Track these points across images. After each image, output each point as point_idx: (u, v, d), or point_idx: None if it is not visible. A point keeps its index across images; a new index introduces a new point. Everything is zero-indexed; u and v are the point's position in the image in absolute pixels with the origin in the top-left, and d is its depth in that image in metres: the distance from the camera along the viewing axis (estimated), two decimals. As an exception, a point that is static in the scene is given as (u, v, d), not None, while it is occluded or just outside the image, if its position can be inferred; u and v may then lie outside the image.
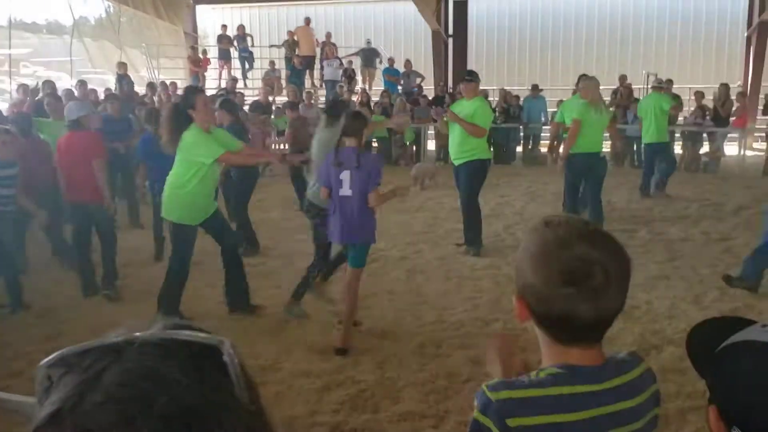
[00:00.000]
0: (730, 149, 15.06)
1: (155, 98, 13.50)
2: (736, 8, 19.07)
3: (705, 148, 14.31)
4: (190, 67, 18.29)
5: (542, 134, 16.41)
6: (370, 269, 6.81)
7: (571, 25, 20.74)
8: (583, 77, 8.59)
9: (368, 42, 19.10)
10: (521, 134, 16.16)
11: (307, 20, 18.81)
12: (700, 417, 3.75)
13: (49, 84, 10.18)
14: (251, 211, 8.15)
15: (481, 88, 17.23)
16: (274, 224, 9.25)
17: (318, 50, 18.99)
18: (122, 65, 14.96)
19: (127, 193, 9.29)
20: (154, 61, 19.29)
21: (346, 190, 4.62)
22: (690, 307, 5.49)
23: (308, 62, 18.72)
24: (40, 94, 10.11)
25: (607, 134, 8.66)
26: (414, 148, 15.88)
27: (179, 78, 19.08)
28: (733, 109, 14.03)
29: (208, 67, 19.26)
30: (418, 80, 18.15)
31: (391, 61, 18.53)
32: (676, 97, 12.88)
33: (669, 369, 4.27)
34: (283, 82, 18.32)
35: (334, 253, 5.58)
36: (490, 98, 17.35)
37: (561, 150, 8.23)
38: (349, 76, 18.35)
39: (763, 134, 16.18)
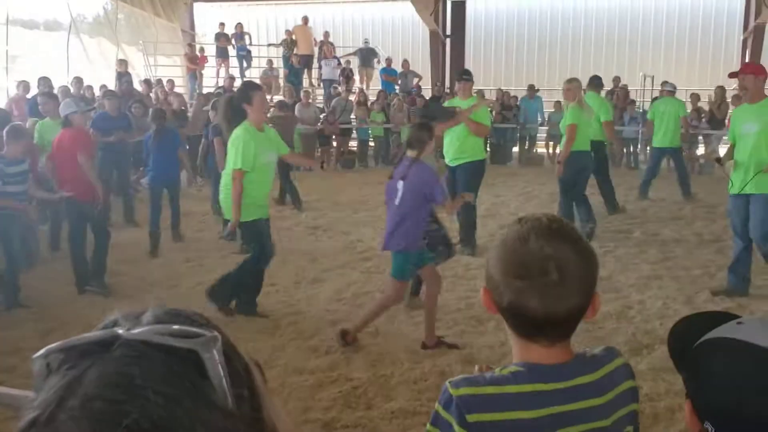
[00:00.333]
0: (724, 152, 15.08)
1: (152, 95, 13.50)
2: (733, 11, 19.13)
3: (700, 150, 14.35)
4: (187, 64, 18.28)
5: (538, 135, 16.47)
6: (363, 267, 6.89)
7: (569, 26, 20.78)
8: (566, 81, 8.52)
9: (366, 42, 19.11)
10: (518, 135, 16.20)
11: (305, 19, 18.82)
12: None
13: (45, 81, 10.18)
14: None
15: (478, 88, 17.35)
16: (270, 222, 9.25)
17: (316, 49, 19.00)
18: (123, 63, 14.95)
19: (123, 190, 9.29)
20: (151, 58, 19.27)
21: (398, 201, 4.60)
22: (682, 307, 5.52)
23: (306, 61, 18.73)
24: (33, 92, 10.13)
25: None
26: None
27: (176, 76, 19.08)
28: (729, 111, 14.05)
29: (206, 65, 19.24)
30: (416, 80, 18.18)
31: (388, 61, 18.55)
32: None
33: (660, 368, 4.30)
34: (281, 81, 18.33)
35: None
36: (488, 98, 17.38)
37: (559, 153, 8.33)
38: (347, 75, 18.36)
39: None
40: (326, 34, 19.06)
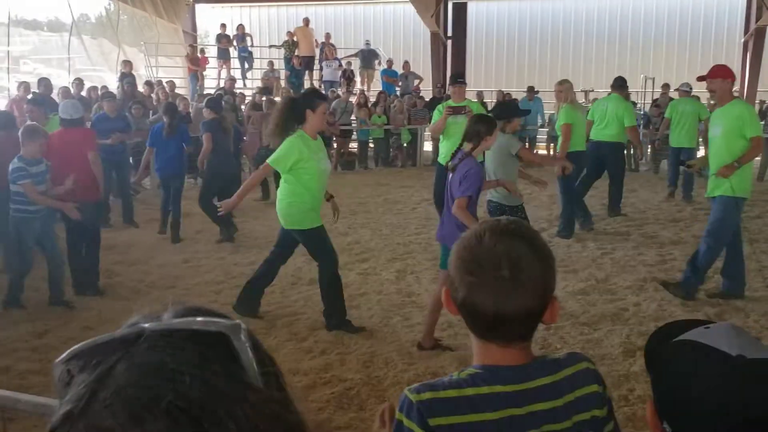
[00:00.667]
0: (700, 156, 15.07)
1: (153, 96, 13.53)
2: (734, 14, 19.12)
3: (701, 152, 14.32)
4: (188, 66, 18.31)
5: (539, 136, 16.47)
6: (360, 269, 6.90)
7: (570, 28, 20.79)
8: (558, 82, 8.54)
9: (367, 43, 19.14)
10: (518, 136, 16.19)
11: (306, 20, 18.85)
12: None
13: (45, 82, 10.21)
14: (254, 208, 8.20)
15: (479, 89, 17.34)
16: (269, 223, 9.28)
17: (317, 51, 19.02)
18: (127, 63, 14.97)
19: (122, 192, 9.31)
20: (152, 59, 19.31)
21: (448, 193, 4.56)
22: (677, 310, 5.53)
23: (307, 63, 18.75)
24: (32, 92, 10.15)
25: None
26: (403, 148, 15.92)
27: (178, 77, 19.11)
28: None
29: (207, 66, 19.27)
30: (417, 82, 18.19)
31: (389, 62, 18.57)
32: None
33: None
34: (282, 83, 18.36)
35: None
36: (488, 100, 17.41)
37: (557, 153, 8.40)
38: (348, 77, 18.38)
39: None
40: (327, 36, 19.09)
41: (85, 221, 6.06)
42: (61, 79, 15.38)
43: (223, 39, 19.11)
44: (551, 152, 14.90)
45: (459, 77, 7.70)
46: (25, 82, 10.80)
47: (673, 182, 10.95)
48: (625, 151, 11.16)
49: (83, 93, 12.00)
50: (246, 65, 19.59)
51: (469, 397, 1.26)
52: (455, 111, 7.21)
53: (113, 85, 14.14)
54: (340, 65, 18.47)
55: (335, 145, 15.40)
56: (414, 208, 10.33)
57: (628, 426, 3.65)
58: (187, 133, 8.79)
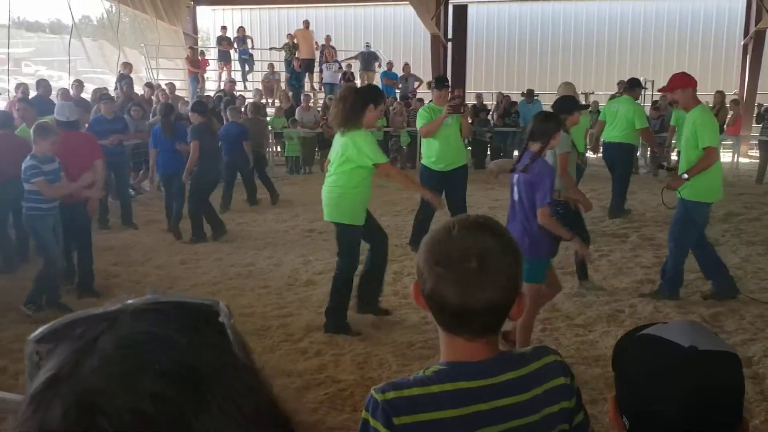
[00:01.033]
0: (724, 156, 15.07)
1: (153, 98, 13.55)
2: (733, 17, 19.12)
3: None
4: (188, 68, 18.34)
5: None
6: (357, 270, 6.88)
7: (570, 31, 20.80)
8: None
9: (367, 45, 19.16)
10: (520, 138, 16.23)
11: (306, 23, 18.88)
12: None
13: (43, 83, 10.23)
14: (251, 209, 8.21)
15: (478, 92, 17.35)
16: (267, 225, 9.31)
17: (317, 53, 19.05)
18: (127, 65, 15.00)
19: (121, 193, 9.33)
20: (153, 61, 19.34)
21: (516, 195, 4.35)
22: (672, 312, 5.53)
23: (307, 65, 18.78)
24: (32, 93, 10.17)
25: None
26: (402, 150, 15.93)
27: (178, 79, 19.15)
28: (728, 116, 14.07)
29: (207, 68, 19.30)
30: (416, 84, 18.20)
31: (389, 64, 18.59)
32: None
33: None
34: (283, 85, 18.39)
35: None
36: (489, 102, 17.43)
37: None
38: (348, 79, 18.39)
39: (757, 142, 16.21)
40: (328, 38, 19.12)
41: (80, 222, 6.08)
42: (62, 81, 15.41)
43: (223, 41, 19.16)
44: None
45: (443, 81, 7.71)
46: (23, 83, 10.81)
47: None
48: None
49: (84, 95, 12.01)
50: (246, 67, 19.63)
51: (434, 394, 1.26)
52: (455, 110, 7.20)
53: (112, 88, 14.16)
54: (340, 67, 18.50)
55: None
56: (413, 210, 10.25)
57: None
58: (185, 132, 8.82)
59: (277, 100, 16.42)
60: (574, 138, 7.98)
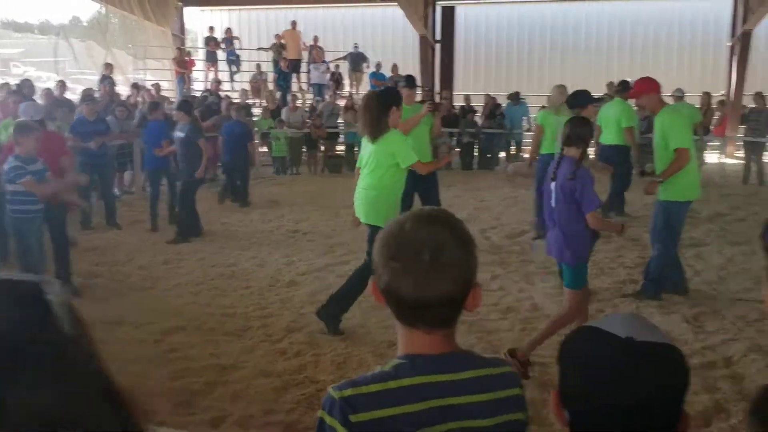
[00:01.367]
0: (711, 157, 15.18)
1: (139, 99, 13.49)
2: (720, 18, 19.20)
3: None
4: (175, 68, 18.27)
5: (524, 140, 16.49)
6: (341, 271, 6.86)
7: (558, 33, 20.83)
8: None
9: (356, 46, 19.15)
10: (506, 140, 16.25)
11: (294, 23, 18.84)
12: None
13: (27, 83, 10.16)
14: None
15: (466, 93, 17.35)
16: (252, 225, 9.26)
17: (305, 54, 19.02)
18: (108, 66, 14.95)
19: (105, 194, 9.27)
20: (140, 62, 19.26)
21: (553, 202, 4.31)
22: (655, 311, 5.53)
23: (295, 65, 18.75)
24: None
25: None
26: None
27: (166, 79, 19.09)
28: (715, 117, 14.13)
29: (194, 69, 19.24)
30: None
31: (378, 65, 18.58)
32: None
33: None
34: (270, 85, 18.35)
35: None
36: (477, 103, 17.45)
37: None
38: (337, 80, 18.39)
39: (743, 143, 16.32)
40: (315, 39, 19.08)
41: (55, 222, 6.02)
42: (50, 82, 15.34)
43: (211, 41, 19.11)
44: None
45: (414, 81, 7.72)
46: (6, 83, 10.75)
47: None
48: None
49: (71, 96, 11.97)
50: (233, 68, 19.58)
51: (392, 390, 1.26)
52: (435, 107, 7.21)
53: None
54: (328, 68, 18.48)
55: (322, 149, 15.41)
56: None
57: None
58: (165, 129, 8.98)
59: (263, 101, 16.37)
60: (547, 140, 8.16)
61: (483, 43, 21.35)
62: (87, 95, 10.25)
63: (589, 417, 1.02)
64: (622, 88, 9.27)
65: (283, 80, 18.20)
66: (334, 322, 5.09)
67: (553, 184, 4.28)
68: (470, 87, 19.86)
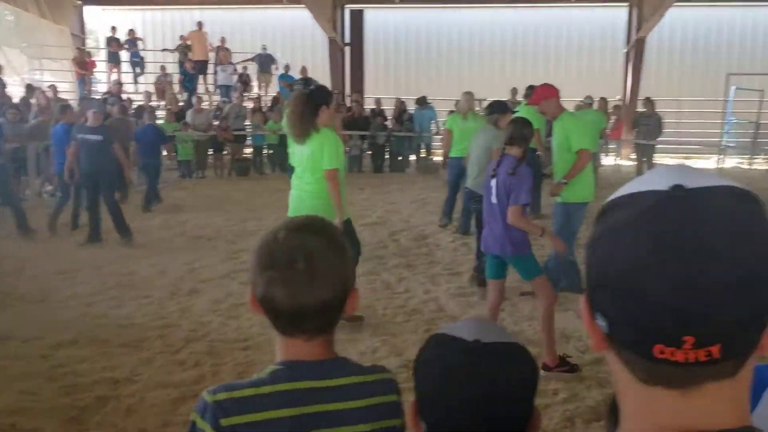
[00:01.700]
0: (608, 159, 15.88)
1: (32, 101, 12.86)
2: (617, 26, 20.07)
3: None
4: (75, 69, 17.52)
5: (433, 143, 16.75)
6: (244, 278, 6.71)
7: (465, 38, 21.24)
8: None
9: (264, 48, 18.92)
10: (416, 144, 16.46)
11: (200, 24, 18.44)
12: (546, 416, 3.90)
13: None
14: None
15: (377, 96, 17.44)
16: (154, 232, 8.97)
17: (212, 55, 18.65)
18: (-1, 67, 14.18)
19: (7, 200, 8.70)
20: (36, 62, 18.35)
21: (494, 198, 4.41)
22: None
23: (201, 67, 18.35)
24: None
25: None
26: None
27: (65, 81, 18.25)
28: (611, 121, 14.78)
29: (96, 70, 18.51)
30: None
31: (286, 67, 18.43)
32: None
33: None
34: (176, 87, 17.88)
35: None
36: (387, 107, 17.58)
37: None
38: (244, 81, 18.12)
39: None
40: (222, 40, 18.72)
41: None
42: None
43: (112, 42, 18.43)
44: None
45: (310, 83, 7.72)
46: None
47: None
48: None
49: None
50: (138, 70, 18.97)
51: (268, 395, 1.26)
52: (336, 110, 7.23)
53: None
54: (236, 70, 18.18)
55: (227, 151, 15.16)
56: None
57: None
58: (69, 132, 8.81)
59: (167, 103, 15.92)
60: (455, 143, 8.47)
61: (392, 47, 21.52)
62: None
63: (444, 424, 1.03)
64: (529, 93, 9.61)
65: (188, 82, 17.78)
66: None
67: (493, 181, 4.41)
68: (381, 90, 20.00)
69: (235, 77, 17.94)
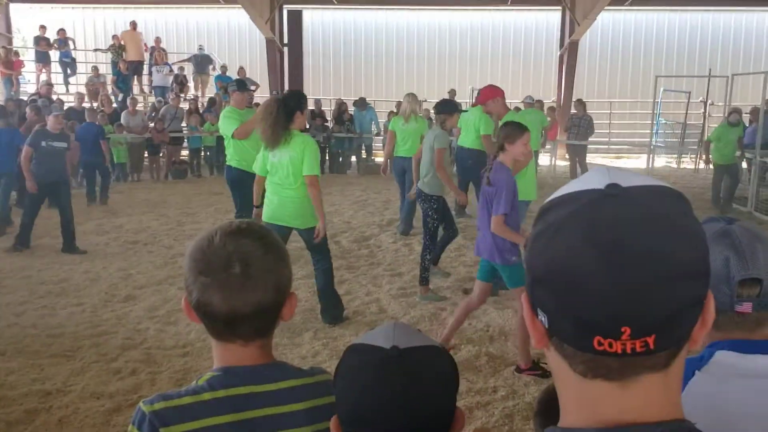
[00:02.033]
0: (544, 159, 16.19)
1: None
2: (551, 29, 20.56)
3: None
4: (0, 69, 16.83)
5: (374, 144, 16.80)
6: (181, 283, 6.60)
7: (403, 39, 21.38)
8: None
9: (200, 48, 18.61)
10: (357, 144, 16.46)
11: (134, 24, 17.98)
12: (486, 413, 3.94)
13: None
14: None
15: (317, 98, 17.43)
16: (87, 237, 8.70)
17: (147, 55, 18.22)
18: None
19: None
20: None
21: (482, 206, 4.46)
22: (489, 307, 5.77)
23: (135, 68, 17.91)
24: None
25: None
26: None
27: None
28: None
29: (23, 70, 17.83)
30: (253, 88, 17.88)
31: (224, 68, 18.17)
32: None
33: (465, 368, 4.46)
34: (109, 88, 17.40)
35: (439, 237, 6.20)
36: (327, 108, 17.54)
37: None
38: (181, 82, 17.76)
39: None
40: (158, 40, 18.34)
41: None
42: None
43: (41, 41, 17.79)
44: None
45: (245, 84, 7.56)
46: None
47: None
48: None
49: None
50: (69, 71, 18.37)
51: (206, 402, 1.24)
52: None
53: None
54: (171, 70, 17.82)
55: (164, 154, 14.84)
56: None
57: None
58: (18, 135, 9.06)
59: (100, 105, 15.46)
60: (399, 144, 8.47)
61: (331, 47, 21.49)
62: None
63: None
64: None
65: (122, 83, 17.32)
66: (341, 317, 5.46)
67: (485, 189, 4.45)
68: (320, 92, 19.93)
69: (171, 78, 17.58)
